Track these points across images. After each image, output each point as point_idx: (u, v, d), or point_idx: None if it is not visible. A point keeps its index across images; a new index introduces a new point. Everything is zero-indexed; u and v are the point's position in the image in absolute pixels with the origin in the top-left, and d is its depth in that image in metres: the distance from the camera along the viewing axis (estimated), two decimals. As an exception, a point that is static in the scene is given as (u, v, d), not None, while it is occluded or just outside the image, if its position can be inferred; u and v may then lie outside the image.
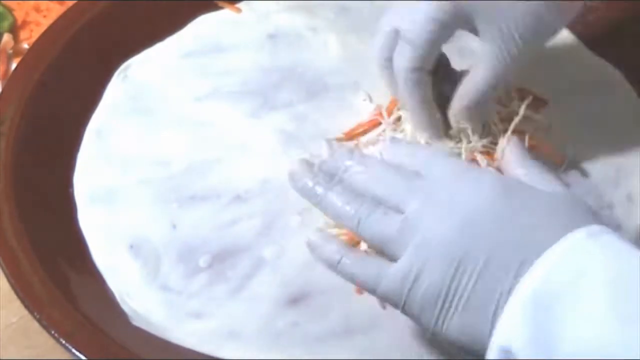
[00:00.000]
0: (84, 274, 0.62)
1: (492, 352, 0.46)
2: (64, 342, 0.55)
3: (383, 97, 0.69)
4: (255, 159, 0.67)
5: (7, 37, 0.79)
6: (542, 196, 0.50)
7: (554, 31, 0.62)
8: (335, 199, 0.53)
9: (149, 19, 0.75)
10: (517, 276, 0.45)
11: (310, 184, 0.54)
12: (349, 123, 0.68)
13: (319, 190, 0.53)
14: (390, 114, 0.65)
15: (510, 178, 0.54)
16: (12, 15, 0.80)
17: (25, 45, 0.79)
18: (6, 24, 0.79)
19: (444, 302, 0.48)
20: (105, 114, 0.71)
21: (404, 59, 0.59)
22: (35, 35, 0.77)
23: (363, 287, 0.52)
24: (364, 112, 0.69)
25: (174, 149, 0.68)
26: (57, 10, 0.80)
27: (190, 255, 0.62)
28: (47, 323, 0.56)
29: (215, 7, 0.78)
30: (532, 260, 0.45)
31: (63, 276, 0.60)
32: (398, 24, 0.60)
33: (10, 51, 0.78)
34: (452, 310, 0.47)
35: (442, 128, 0.62)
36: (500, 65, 0.59)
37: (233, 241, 0.63)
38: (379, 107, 0.67)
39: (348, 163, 0.54)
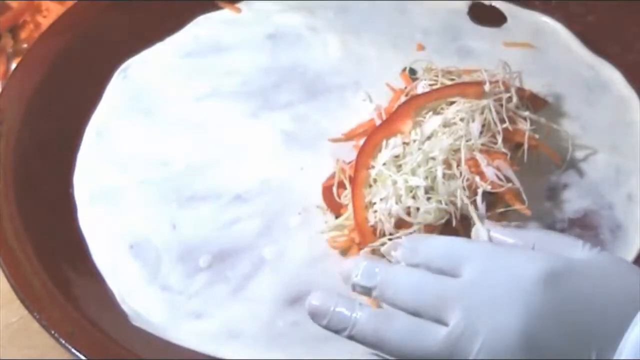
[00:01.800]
0: (84, 274, 0.62)
1: None
2: (64, 342, 0.55)
3: (383, 97, 0.69)
4: (255, 159, 0.67)
5: (7, 37, 0.79)
6: (594, 272, 0.48)
7: None
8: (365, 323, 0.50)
9: (149, 19, 0.75)
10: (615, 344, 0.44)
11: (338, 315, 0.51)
12: (349, 123, 0.68)
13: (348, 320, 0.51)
14: (389, 114, 0.65)
15: (552, 257, 0.49)
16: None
17: (25, 45, 0.79)
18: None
19: None
20: (105, 114, 0.71)
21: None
22: (35, 35, 0.77)
23: None
24: (364, 112, 0.69)
25: (174, 149, 0.68)
26: (57, 10, 0.80)
27: (190, 255, 0.62)
28: (47, 323, 0.56)
29: (215, 7, 0.78)
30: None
31: (63, 276, 0.60)
32: None
33: (10, 50, 0.78)
34: None
35: None
36: None
37: (233, 241, 0.63)
38: (378, 107, 0.67)
39: (373, 283, 0.52)
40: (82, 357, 0.54)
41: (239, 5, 0.79)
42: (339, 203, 0.62)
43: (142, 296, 0.60)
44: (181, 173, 0.67)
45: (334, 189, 0.62)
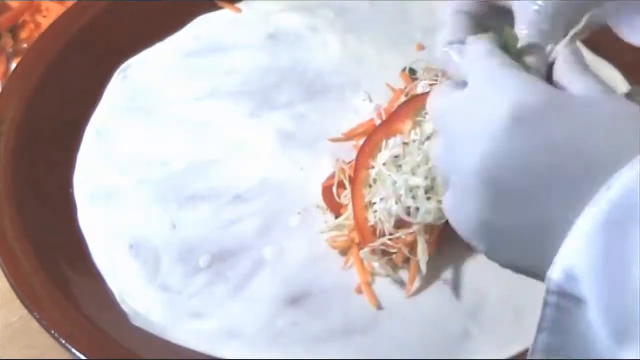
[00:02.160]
0: (84, 274, 0.62)
1: (555, 273, 0.39)
2: (64, 342, 0.55)
3: (383, 97, 0.69)
4: (255, 159, 0.67)
5: (7, 37, 0.79)
6: (604, 109, 0.41)
7: None
8: None
9: (149, 19, 0.75)
10: (584, 201, 0.39)
11: None
12: (348, 123, 0.68)
13: None
14: (389, 114, 0.64)
15: (530, 88, 0.43)
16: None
17: (25, 45, 0.79)
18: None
19: (488, 235, 0.43)
20: (105, 114, 0.71)
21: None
22: (35, 35, 0.77)
23: None
24: (364, 112, 0.69)
25: (174, 149, 0.68)
26: (57, 10, 0.80)
27: (190, 255, 0.62)
28: (47, 323, 0.56)
29: (215, 7, 0.78)
30: (604, 181, 0.38)
31: (63, 276, 0.60)
32: None
33: (10, 50, 0.78)
34: (500, 243, 0.43)
35: None
36: None
37: (233, 241, 0.63)
38: (378, 107, 0.67)
39: None
40: (82, 357, 0.54)
41: (239, 5, 0.79)
42: (339, 203, 0.62)
43: (142, 296, 0.60)
44: (181, 173, 0.67)
45: (334, 189, 0.62)
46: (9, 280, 0.58)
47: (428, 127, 0.61)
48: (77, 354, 0.55)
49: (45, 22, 0.80)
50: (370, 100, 0.70)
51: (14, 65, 0.75)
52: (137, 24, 0.75)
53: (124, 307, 0.60)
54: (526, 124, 0.41)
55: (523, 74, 0.44)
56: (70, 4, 0.77)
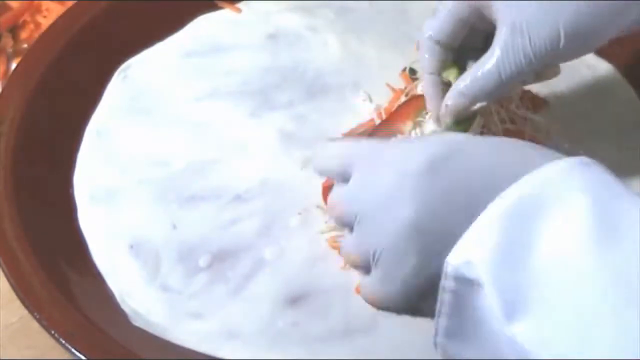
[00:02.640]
0: (84, 274, 0.62)
1: (453, 257, 0.42)
2: (64, 342, 0.55)
3: (383, 97, 0.69)
4: (255, 159, 0.67)
5: (7, 37, 0.79)
6: (483, 149, 0.46)
7: (592, 39, 0.56)
8: None
9: (149, 19, 0.75)
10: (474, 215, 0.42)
11: None
12: (348, 123, 0.68)
13: None
14: (388, 114, 0.65)
15: (436, 142, 0.48)
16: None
17: (25, 45, 0.79)
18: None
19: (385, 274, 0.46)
20: (105, 114, 0.71)
21: (425, 28, 0.59)
22: (35, 35, 0.77)
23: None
24: (364, 112, 0.69)
25: (174, 149, 0.68)
26: (57, 10, 0.80)
27: (190, 255, 0.62)
28: (47, 323, 0.56)
29: (215, 7, 0.78)
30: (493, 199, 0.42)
31: (63, 276, 0.60)
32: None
33: (10, 50, 0.78)
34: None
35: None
36: (508, 63, 0.55)
37: (233, 241, 0.63)
38: (378, 107, 0.67)
39: None
40: (82, 357, 0.54)
41: (239, 5, 0.79)
42: (339, 203, 0.62)
43: (142, 296, 0.60)
44: (181, 173, 0.67)
45: (334, 189, 0.62)
46: (9, 280, 0.58)
47: (428, 127, 0.61)
48: (77, 354, 0.55)
49: (45, 22, 0.80)
50: (370, 100, 0.70)
51: (14, 65, 0.75)
52: (137, 24, 0.75)
53: (124, 307, 0.60)
54: (442, 168, 0.45)
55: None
56: (70, 4, 0.77)
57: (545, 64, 0.56)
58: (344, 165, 0.49)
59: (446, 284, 0.42)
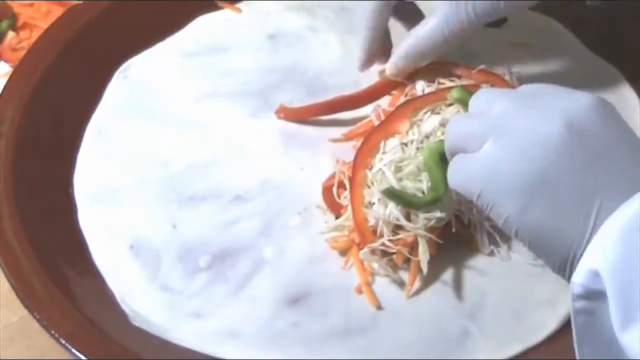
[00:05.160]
0: (84, 274, 0.62)
1: (579, 275, 0.43)
2: (64, 342, 0.55)
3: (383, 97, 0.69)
4: (255, 159, 0.67)
5: (11, 35, 0.79)
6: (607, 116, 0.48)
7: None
8: None
9: (149, 19, 0.75)
10: (619, 198, 0.44)
11: None
12: (348, 123, 0.68)
13: None
14: (387, 114, 0.64)
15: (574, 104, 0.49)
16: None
17: (25, 45, 0.79)
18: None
19: (526, 193, 0.46)
20: (105, 114, 0.71)
21: None
22: (35, 36, 0.77)
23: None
24: (364, 112, 0.69)
25: (174, 149, 0.68)
26: (57, 11, 0.80)
27: (190, 255, 0.62)
28: (47, 323, 0.56)
29: (215, 7, 0.78)
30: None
31: (63, 276, 0.60)
32: None
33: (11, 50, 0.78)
34: (534, 203, 0.46)
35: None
36: (451, 20, 0.61)
37: (233, 241, 0.63)
38: (377, 108, 0.67)
39: None
40: (82, 357, 0.54)
41: (239, 5, 0.79)
42: (339, 203, 0.62)
43: (142, 296, 0.60)
44: (181, 173, 0.67)
45: (334, 189, 0.62)
46: (9, 280, 0.58)
47: (426, 127, 0.61)
48: (77, 354, 0.55)
49: (45, 22, 0.80)
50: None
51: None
52: (137, 24, 0.75)
53: (124, 307, 0.60)
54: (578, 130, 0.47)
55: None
56: (70, 4, 0.77)
57: (486, 20, 0.61)
58: (489, 101, 0.51)
59: (576, 305, 0.43)
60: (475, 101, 0.53)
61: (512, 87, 0.64)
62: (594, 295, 0.42)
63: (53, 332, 0.55)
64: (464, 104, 0.58)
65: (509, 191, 0.47)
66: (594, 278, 0.42)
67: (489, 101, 0.51)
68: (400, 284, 0.60)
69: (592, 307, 0.43)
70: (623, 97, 0.71)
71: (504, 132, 0.48)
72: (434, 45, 0.63)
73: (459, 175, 0.51)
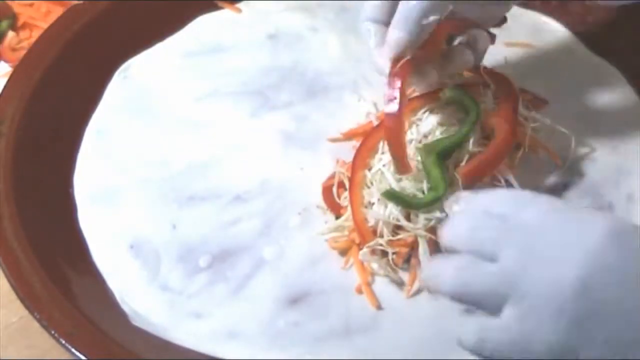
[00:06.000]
0: (84, 274, 0.62)
1: None
2: (64, 342, 0.55)
3: (382, 97, 0.69)
4: (256, 159, 0.67)
5: (11, 35, 0.79)
6: None
7: None
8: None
9: (149, 19, 0.75)
10: None
11: None
12: (348, 123, 0.68)
13: None
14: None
15: (617, 217, 0.49)
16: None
17: (25, 45, 0.79)
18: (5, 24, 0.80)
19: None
20: (105, 114, 0.71)
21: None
22: (35, 36, 0.77)
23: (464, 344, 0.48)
24: (364, 112, 0.69)
25: (174, 148, 0.68)
26: (57, 11, 0.80)
27: (190, 255, 0.62)
28: (47, 323, 0.56)
29: (215, 7, 0.78)
30: None
31: (63, 276, 0.60)
32: None
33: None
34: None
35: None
36: None
37: (233, 241, 0.63)
38: (377, 108, 0.67)
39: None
40: (82, 357, 0.54)
41: (239, 5, 0.79)
42: (339, 203, 0.62)
43: (142, 296, 0.60)
44: (181, 173, 0.67)
45: (334, 189, 0.62)
46: (9, 280, 0.58)
47: (425, 127, 0.61)
48: (77, 354, 0.55)
49: (45, 22, 0.80)
50: (370, 101, 0.70)
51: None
52: (137, 24, 0.75)
53: (124, 307, 0.60)
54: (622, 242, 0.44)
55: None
56: (70, 4, 0.77)
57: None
58: (519, 203, 0.48)
59: None
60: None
61: (512, 86, 0.64)
62: None
63: (53, 332, 0.55)
64: (457, 103, 0.58)
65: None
66: None
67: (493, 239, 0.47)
68: (400, 284, 0.60)
69: None
70: (623, 97, 0.71)
71: (522, 294, 0.45)
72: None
73: (485, 344, 0.47)
